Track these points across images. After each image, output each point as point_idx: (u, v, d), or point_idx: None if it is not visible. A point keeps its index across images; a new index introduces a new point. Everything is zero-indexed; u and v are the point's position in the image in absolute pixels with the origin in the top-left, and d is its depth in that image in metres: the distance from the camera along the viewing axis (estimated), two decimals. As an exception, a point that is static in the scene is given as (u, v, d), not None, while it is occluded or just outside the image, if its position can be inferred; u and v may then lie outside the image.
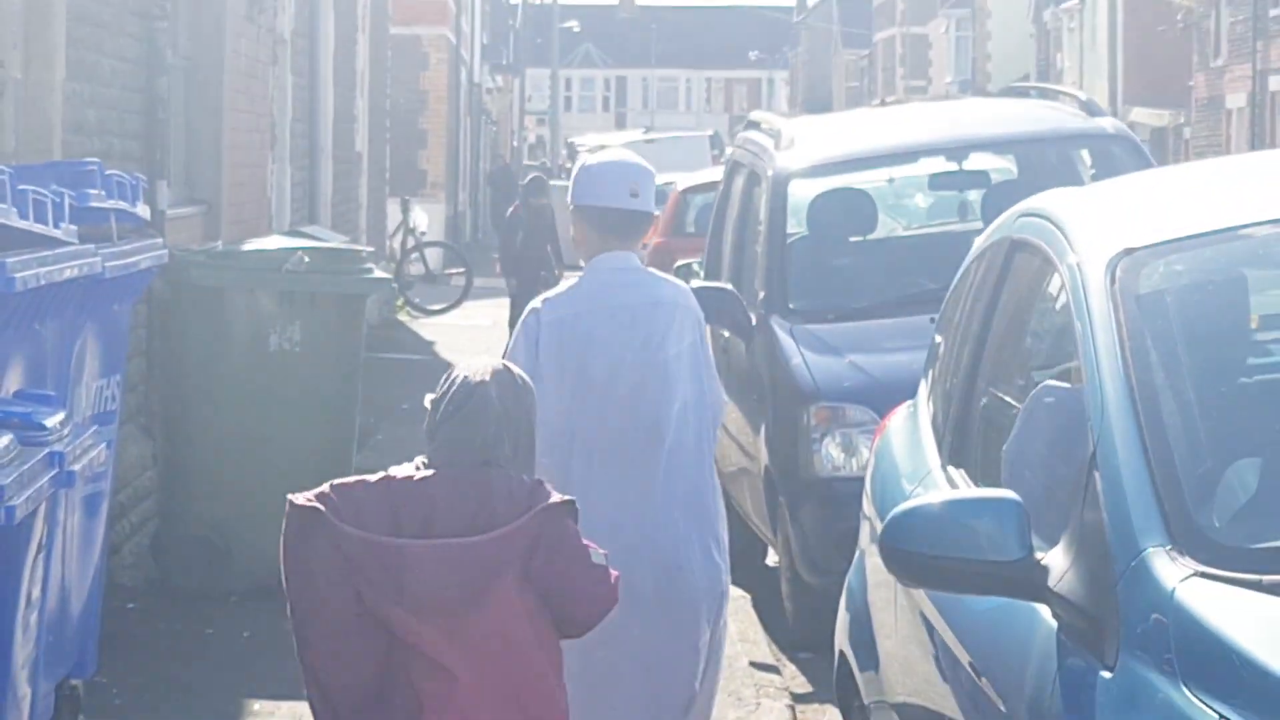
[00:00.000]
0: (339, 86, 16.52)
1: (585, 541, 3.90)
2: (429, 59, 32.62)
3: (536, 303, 5.13)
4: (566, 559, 3.87)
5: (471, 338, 19.47)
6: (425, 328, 20.32)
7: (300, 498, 3.92)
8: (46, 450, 3.74)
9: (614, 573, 3.96)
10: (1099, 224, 4.02)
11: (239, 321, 7.80)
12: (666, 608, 5.07)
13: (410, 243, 24.50)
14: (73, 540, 5.15)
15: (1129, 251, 3.81)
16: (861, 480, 7.57)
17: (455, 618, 3.84)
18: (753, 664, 7.41)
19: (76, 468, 3.91)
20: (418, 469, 3.98)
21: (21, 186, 4.54)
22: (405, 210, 24.83)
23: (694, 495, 5.15)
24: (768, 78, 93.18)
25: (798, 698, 7.21)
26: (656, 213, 5.64)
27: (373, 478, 3.95)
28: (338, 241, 11.33)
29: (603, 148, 37.33)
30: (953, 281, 4.99)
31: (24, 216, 4.53)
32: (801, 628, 8.04)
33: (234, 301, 7.79)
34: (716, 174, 16.95)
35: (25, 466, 3.57)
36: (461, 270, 23.54)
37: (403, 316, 21.35)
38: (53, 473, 3.74)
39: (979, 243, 4.85)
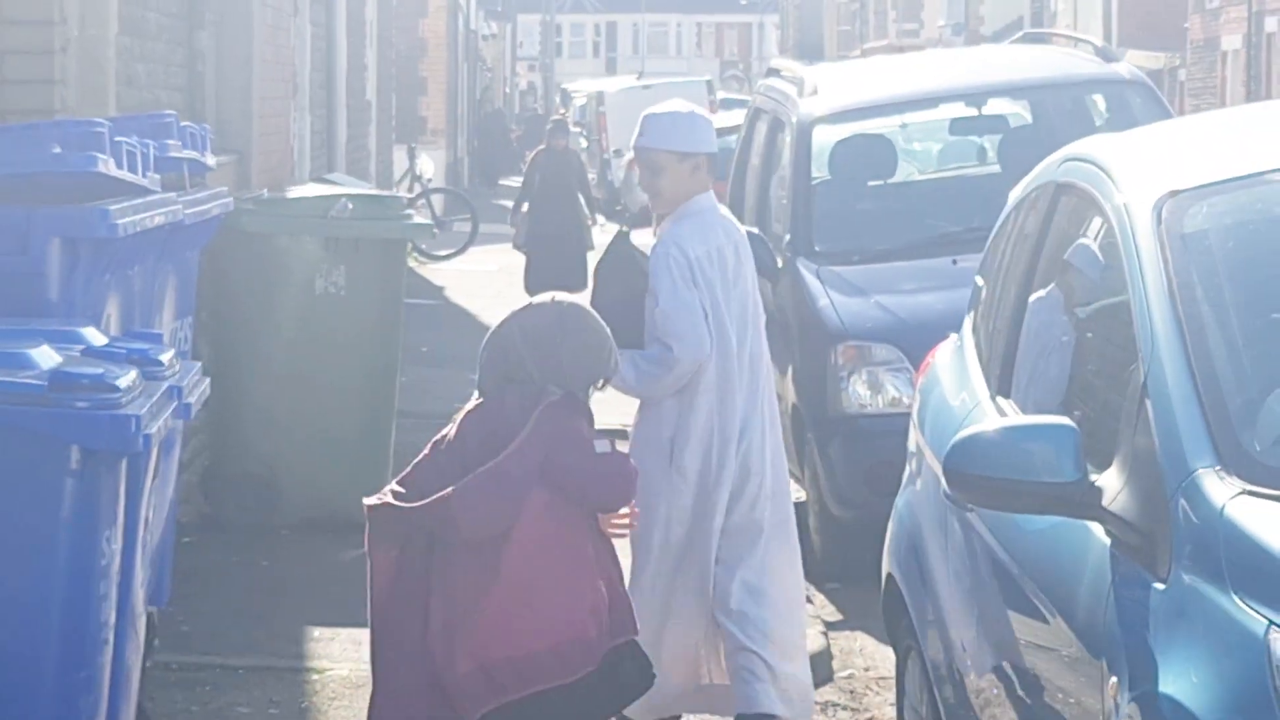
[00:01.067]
0: (351, 36, 16.69)
1: (591, 438, 4.32)
2: (428, 5, 32.67)
3: (670, 245, 5.57)
4: (568, 452, 4.25)
5: (479, 282, 19.68)
6: (434, 273, 20.54)
7: (370, 499, 4.26)
8: (166, 384, 3.99)
9: (625, 460, 4.43)
10: (1144, 168, 4.24)
11: (286, 266, 8.05)
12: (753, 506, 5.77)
13: (417, 189, 24.68)
14: (159, 474, 5.41)
15: (1174, 193, 4.03)
16: (887, 416, 7.90)
17: (498, 539, 4.19)
18: (785, 593, 7.67)
19: (191, 400, 4.18)
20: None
21: (117, 138, 4.79)
22: (412, 157, 24.99)
23: (776, 415, 5.93)
24: (758, 22, 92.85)
25: (830, 625, 7.48)
26: None
27: (424, 451, 4.36)
28: (364, 188, 11.55)
29: (601, 92, 37.06)
30: (978, 223, 5.23)
31: (119, 166, 4.78)
32: (829, 559, 8.30)
33: (281, 247, 8.05)
34: (718, 120, 17.10)
35: (153, 399, 3.83)
36: (466, 216, 23.73)
37: (412, 262, 21.54)
38: (174, 405, 4.00)
39: (1020, 188, 5.09)
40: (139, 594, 4.21)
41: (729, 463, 5.64)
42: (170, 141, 5.54)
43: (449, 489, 4.17)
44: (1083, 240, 4.43)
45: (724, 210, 5.84)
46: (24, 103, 6.28)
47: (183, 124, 5.83)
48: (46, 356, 3.83)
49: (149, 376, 3.94)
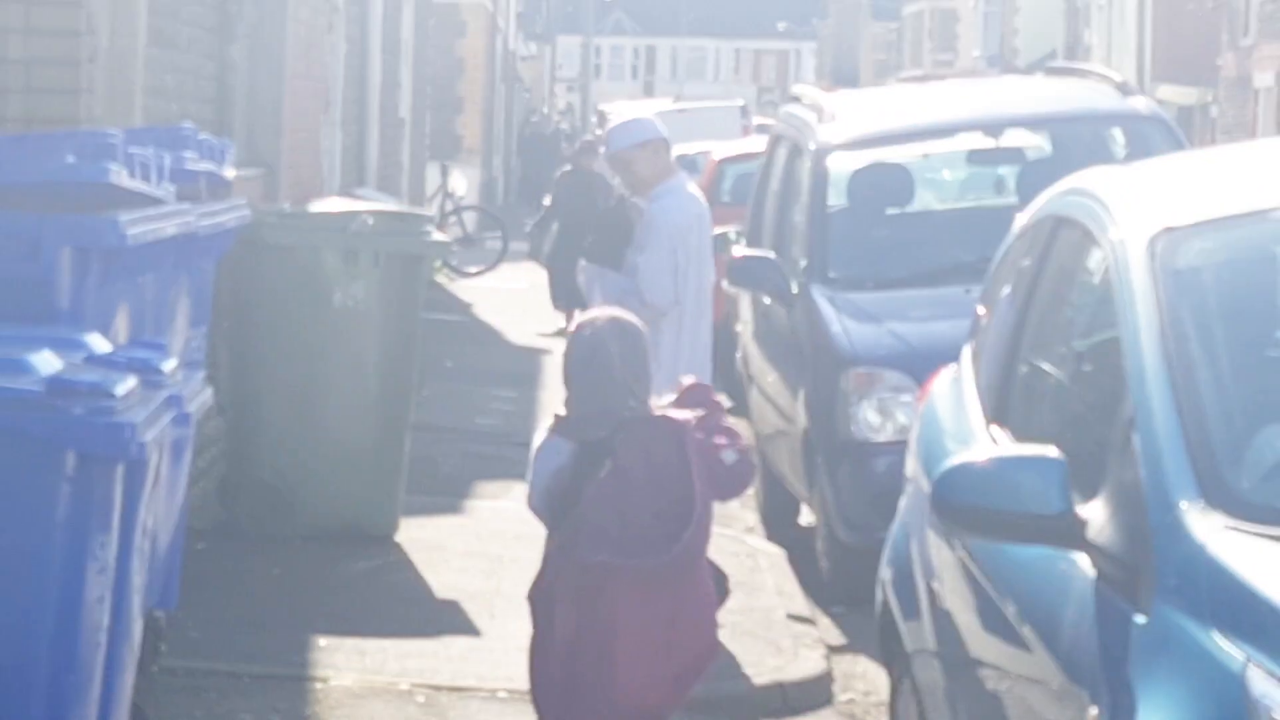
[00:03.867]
0: (385, 54, 16.76)
1: (716, 441, 4.68)
2: (467, 27, 32.77)
3: (658, 214, 6.98)
4: (719, 480, 4.71)
5: (508, 300, 19.71)
6: (463, 289, 20.58)
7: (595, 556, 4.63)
8: (166, 393, 4.01)
9: (749, 460, 4.84)
10: (1141, 203, 4.24)
11: (305, 279, 8.07)
12: None
13: (448, 206, 24.73)
14: (164, 480, 5.43)
15: (1169, 230, 4.03)
16: (896, 444, 7.88)
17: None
18: (790, 616, 7.66)
19: (190, 409, 4.19)
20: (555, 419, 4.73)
21: (131, 150, 4.81)
22: (444, 174, 25.05)
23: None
24: (795, 49, 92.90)
25: (833, 648, 7.46)
26: None
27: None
28: (391, 204, 11.58)
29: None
30: (994, 255, 5.23)
31: (132, 176, 4.80)
32: (836, 583, 8.29)
33: (301, 260, 8.06)
34: (751, 145, 17.13)
35: (151, 407, 3.84)
36: (498, 234, 23.78)
37: (441, 278, 21.59)
38: (172, 413, 4.01)
39: (1022, 219, 5.08)
40: (135, 600, 4.23)
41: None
42: (187, 154, 5.56)
43: (687, 536, 4.56)
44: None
45: (691, 187, 7.31)
46: (51, 111, 6.31)
47: (202, 137, 5.85)
48: (47, 363, 3.85)
49: (149, 385, 3.95)
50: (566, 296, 17.06)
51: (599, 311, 4.90)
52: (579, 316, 4.90)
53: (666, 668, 4.63)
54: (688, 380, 4.90)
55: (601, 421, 4.59)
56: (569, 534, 4.59)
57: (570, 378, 4.68)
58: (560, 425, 4.69)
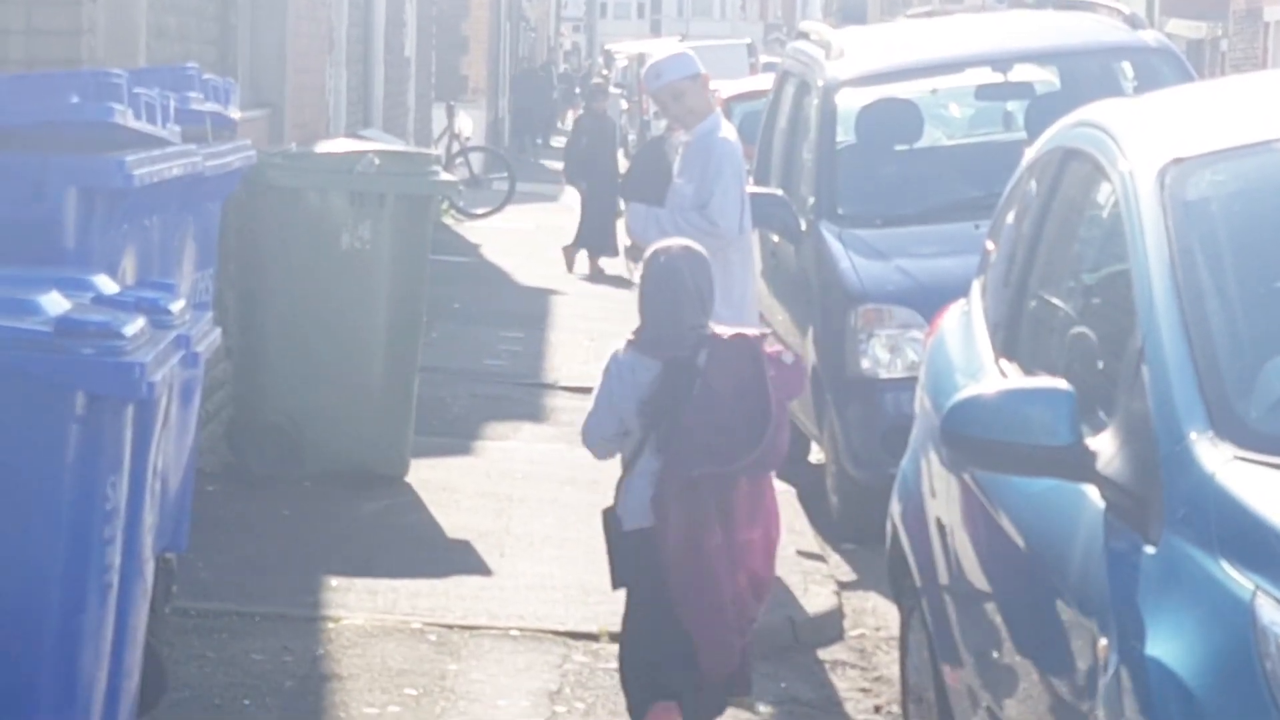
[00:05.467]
0: (390, -8, 16.70)
1: (774, 349, 5.24)
2: (471, -35, 32.62)
3: (734, 145, 7.08)
4: (779, 372, 5.15)
5: (515, 241, 19.69)
6: (470, 231, 20.54)
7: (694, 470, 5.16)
8: (175, 333, 4.02)
9: (801, 363, 5.61)
10: (1150, 134, 4.23)
11: (312, 220, 8.06)
12: None
13: (455, 147, 24.67)
14: (174, 422, 5.45)
15: (1178, 161, 4.03)
16: (906, 380, 7.89)
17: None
18: (800, 552, 7.68)
19: (200, 349, 4.20)
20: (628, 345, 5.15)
21: (136, 90, 4.80)
22: (450, 115, 24.97)
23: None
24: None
25: (843, 584, 7.49)
26: None
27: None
28: (397, 145, 11.56)
29: (642, 53, 37.24)
30: (1003, 190, 5.23)
31: (137, 117, 4.80)
32: (846, 520, 8.31)
33: (308, 201, 8.06)
34: (759, 83, 17.08)
35: (159, 347, 3.85)
36: (504, 175, 23.73)
37: (448, 220, 21.57)
38: (181, 354, 4.02)
39: (1031, 152, 5.07)
40: (147, 540, 4.25)
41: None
42: (192, 94, 5.55)
43: (770, 432, 5.06)
44: None
45: (725, 123, 7.29)
46: (52, 52, 6.30)
47: (206, 77, 5.84)
48: (55, 303, 3.86)
49: (157, 325, 3.95)
50: (591, 237, 17.26)
51: (671, 241, 5.35)
52: (650, 248, 5.31)
53: (755, 563, 5.25)
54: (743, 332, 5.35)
55: (682, 340, 5.09)
56: (671, 451, 5.07)
57: (647, 300, 5.15)
58: (641, 344, 5.13)
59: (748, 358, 5.10)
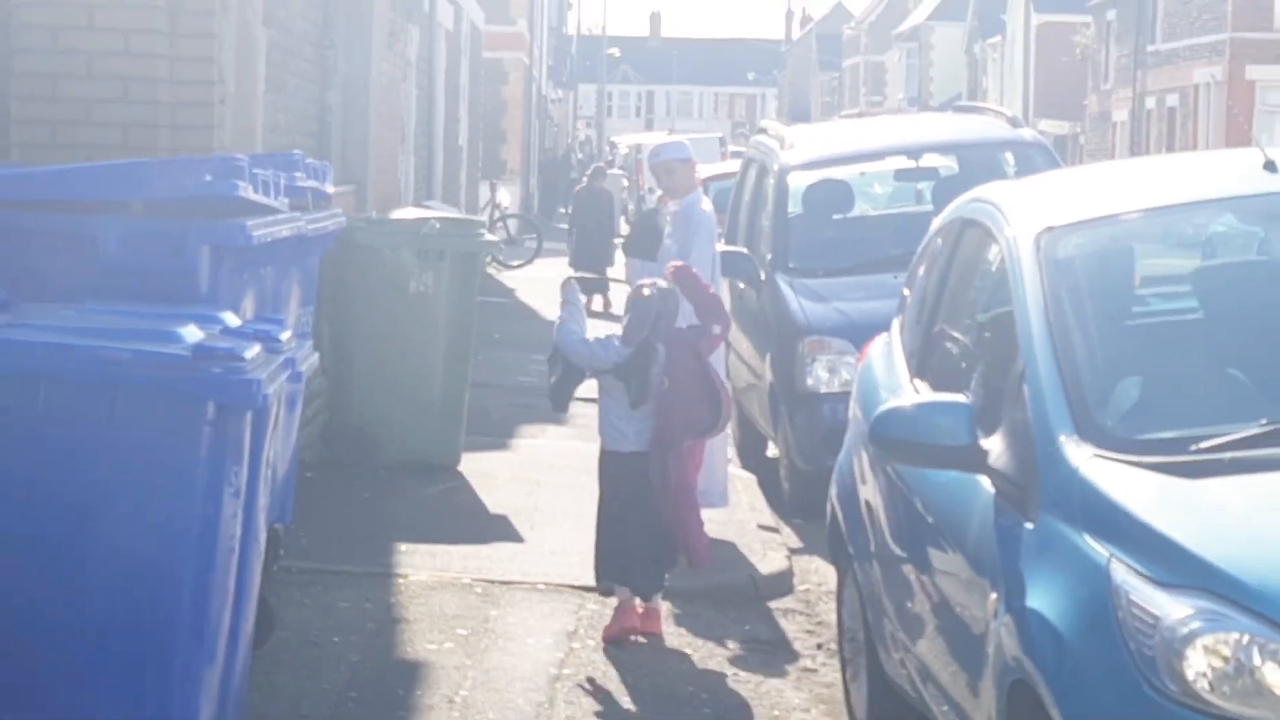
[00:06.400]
0: (447, 97, 16.71)
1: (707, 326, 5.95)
2: (509, 76, 32.68)
3: (702, 215, 7.26)
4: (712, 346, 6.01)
5: (542, 286, 19.66)
6: (508, 278, 20.53)
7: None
8: (283, 356, 4.00)
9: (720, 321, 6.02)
10: (1028, 208, 4.24)
11: (388, 271, 8.06)
12: None
13: (496, 214, 24.70)
14: (281, 424, 5.43)
15: (1050, 229, 4.04)
16: (841, 394, 7.88)
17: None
18: (759, 526, 7.67)
19: (302, 369, 4.19)
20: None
21: (255, 170, 4.79)
22: (493, 190, 25.01)
23: None
24: (761, 94, 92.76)
25: (793, 550, 7.47)
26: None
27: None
28: (453, 213, 11.56)
29: (639, 145, 37.35)
30: (917, 249, 5.22)
31: (257, 192, 4.79)
32: (795, 501, 8.29)
33: (384, 256, 8.05)
34: (728, 167, 17.12)
35: (271, 367, 3.84)
36: (534, 235, 23.77)
37: (491, 270, 21.57)
38: (288, 372, 4.01)
39: (937, 221, 5.07)
40: (260, 516, 4.22)
41: None
42: (297, 174, 5.53)
43: (725, 408, 5.89)
44: None
45: (704, 198, 7.44)
46: (191, 143, 6.30)
47: (308, 161, 5.83)
48: (192, 334, 3.84)
49: (270, 350, 3.94)
50: (582, 286, 17.30)
51: (651, 280, 5.98)
52: (635, 286, 6.00)
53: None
54: (673, 264, 6.07)
55: (650, 337, 5.81)
56: (662, 428, 5.74)
57: (633, 315, 5.82)
58: (625, 337, 5.82)
59: (689, 346, 5.83)
